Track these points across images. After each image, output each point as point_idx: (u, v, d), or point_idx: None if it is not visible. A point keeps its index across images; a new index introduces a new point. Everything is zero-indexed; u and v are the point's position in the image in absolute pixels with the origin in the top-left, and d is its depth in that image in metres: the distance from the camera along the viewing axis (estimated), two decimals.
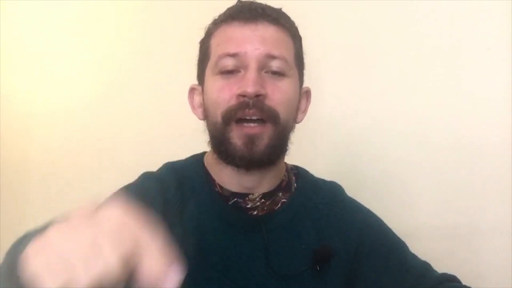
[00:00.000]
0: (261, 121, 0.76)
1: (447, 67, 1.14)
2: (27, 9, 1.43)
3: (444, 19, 1.15)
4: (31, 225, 1.42)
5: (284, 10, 0.83)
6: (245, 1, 0.82)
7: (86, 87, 1.41)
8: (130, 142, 1.39)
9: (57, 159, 1.42)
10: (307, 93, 0.87)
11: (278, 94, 0.77)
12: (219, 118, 0.77)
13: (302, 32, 0.85)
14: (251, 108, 0.75)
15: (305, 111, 0.87)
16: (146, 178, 0.84)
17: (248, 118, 0.76)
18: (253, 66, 0.76)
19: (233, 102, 0.76)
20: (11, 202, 1.44)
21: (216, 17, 0.83)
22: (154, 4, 1.37)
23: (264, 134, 0.76)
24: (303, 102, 0.86)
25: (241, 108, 0.75)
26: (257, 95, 0.75)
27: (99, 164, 1.40)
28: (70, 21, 1.42)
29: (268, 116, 0.76)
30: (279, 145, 0.79)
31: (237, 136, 0.76)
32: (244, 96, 0.75)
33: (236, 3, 0.82)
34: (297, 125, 0.84)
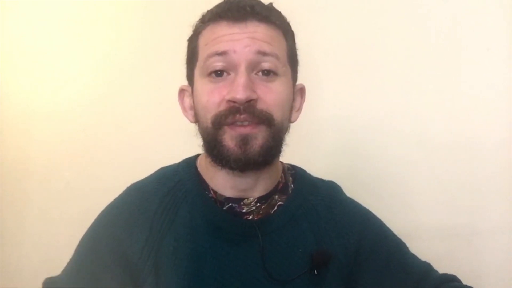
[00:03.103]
0: (254, 124, 0.74)
1: (447, 67, 1.14)
2: (27, 9, 1.43)
3: (444, 19, 1.15)
4: (31, 225, 1.43)
5: (279, 7, 0.81)
6: (232, 0, 0.78)
7: (86, 87, 1.41)
8: (130, 142, 1.39)
9: (57, 159, 1.42)
10: (301, 90, 0.85)
11: (270, 96, 0.75)
12: (209, 123, 0.75)
13: (301, 31, 0.83)
14: (242, 114, 0.73)
15: (299, 109, 0.84)
16: (129, 193, 0.84)
17: (239, 123, 0.73)
18: (242, 68, 0.73)
19: (223, 107, 0.74)
20: (11, 202, 1.44)
21: (204, 13, 0.80)
22: (154, 4, 1.37)
23: (258, 134, 0.74)
24: (298, 100, 0.84)
25: (232, 114, 0.73)
26: (248, 101, 0.73)
27: (99, 164, 1.40)
28: (70, 21, 1.42)
29: (261, 120, 0.74)
30: (274, 146, 0.76)
31: (229, 137, 0.74)
32: (234, 102, 0.73)
33: (224, 1, 0.79)
34: (296, 125, 0.83)
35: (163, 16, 1.37)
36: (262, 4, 0.78)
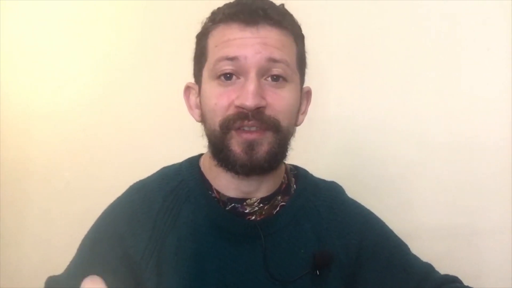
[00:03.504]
0: (261, 130, 0.74)
1: (447, 67, 1.14)
2: (27, 9, 1.43)
3: (444, 19, 1.15)
4: (31, 225, 1.43)
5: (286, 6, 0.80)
6: (244, 1, 0.77)
7: (86, 87, 1.41)
8: (130, 142, 1.39)
9: (57, 158, 1.42)
10: (308, 93, 0.85)
11: (279, 102, 0.74)
12: (217, 126, 0.75)
13: (303, 32, 0.83)
14: (250, 120, 0.73)
15: (305, 112, 0.84)
16: (131, 192, 0.84)
17: (247, 128, 0.74)
18: (253, 74, 0.73)
19: (231, 111, 0.74)
20: (11, 202, 1.44)
21: (215, 10, 0.79)
22: (154, 4, 1.37)
23: (264, 140, 0.74)
24: (304, 103, 0.84)
25: (240, 119, 0.73)
26: (257, 108, 0.72)
27: (99, 164, 1.40)
28: (70, 21, 1.42)
29: (268, 126, 0.74)
30: (280, 152, 0.76)
31: (236, 142, 0.74)
32: (243, 108, 0.72)
33: (235, 1, 0.78)
34: (299, 126, 0.83)
35: (163, 16, 1.37)
36: (275, 7, 0.77)
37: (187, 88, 0.83)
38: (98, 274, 0.78)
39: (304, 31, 0.82)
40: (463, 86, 1.13)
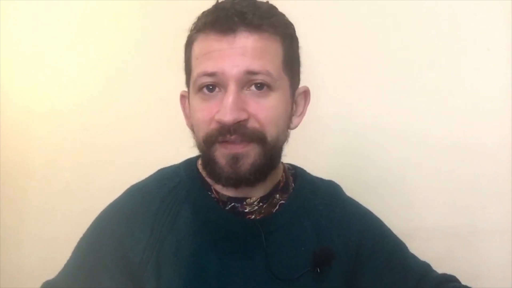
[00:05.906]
0: (245, 142, 0.73)
1: (447, 67, 1.14)
2: (27, 9, 1.43)
3: (444, 19, 1.15)
4: (31, 225, 1.42)
5: (279, 7, 0.78)
6: (222, 5, 0.74)
7: (86, 86, 1.41)
8: (130, 142, 1.39)
9: (57, 158, 1.42)
10: (305, 93, 0.82)
11: (263, 113, 0.73)
12: (201, 141, 0.75)
13: (301, 31, 0.81)
14: (232, 134, 0.72)
15: (302, 114, 0.82)
16: (129, 194, 0.83)
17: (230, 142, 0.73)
18: (231, 87, 0.71)
19: (213, 126, 0.73)
20: (11, 202, 1.44)
21: (199, 16, 0.77)
22: (153, 4, 1.37)
23: (250, 152, 0.73)
24: (301, 104, 0.82)
25: (222, 134, 0.72)
26: (237, 121, 0.71)
27: (99, 164, 1.40)
28: (70, 21, 1.42)
29: (252, 139, 0.72)
30: (266, 164, 0.75)
31: (221, 154, 0.73)
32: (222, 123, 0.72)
33: (213, 7, 0.75)
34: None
35: (163, 16, 1.37)
36: (256, 8, 0.74)
37: (182, 97, 0.83)
38: (96, 276, 0.78)
39: (301, 29, 0.80)
40: (463, 86, 1.13)
